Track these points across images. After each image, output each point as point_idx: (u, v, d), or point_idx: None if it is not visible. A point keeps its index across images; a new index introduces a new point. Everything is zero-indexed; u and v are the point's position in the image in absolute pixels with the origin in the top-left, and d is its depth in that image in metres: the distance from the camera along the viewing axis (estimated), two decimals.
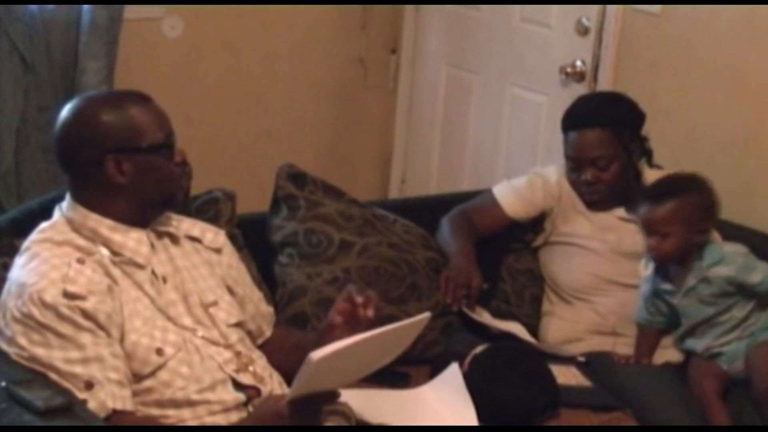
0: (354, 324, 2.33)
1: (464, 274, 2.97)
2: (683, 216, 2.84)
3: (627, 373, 2.88)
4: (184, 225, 2.45)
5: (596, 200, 3.11)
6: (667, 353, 2.98)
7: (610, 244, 3.10)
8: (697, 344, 2.89)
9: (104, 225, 2.27)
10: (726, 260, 2.85)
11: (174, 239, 2.38)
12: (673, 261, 2.89)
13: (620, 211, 3.13)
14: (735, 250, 2.88)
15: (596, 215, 3.14)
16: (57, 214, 2.31)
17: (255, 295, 2.54)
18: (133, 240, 2.28)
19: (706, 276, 2.84)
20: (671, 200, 2.85)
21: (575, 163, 3.09)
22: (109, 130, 2.26)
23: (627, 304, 3.03)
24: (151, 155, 2.28)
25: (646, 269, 2.96)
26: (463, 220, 3.17)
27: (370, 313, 2.33)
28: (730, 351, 2.85)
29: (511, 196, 3.18)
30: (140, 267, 2.27)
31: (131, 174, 2.26)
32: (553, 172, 3.21)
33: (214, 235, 2.48)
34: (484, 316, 3.01)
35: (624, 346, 3.01)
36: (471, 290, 2.96)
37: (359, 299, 2.34)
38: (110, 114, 2.27)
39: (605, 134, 3.05)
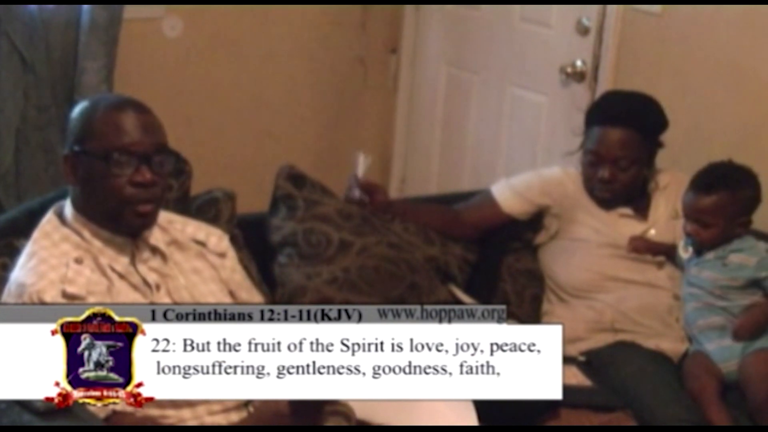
0: None
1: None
2: (729, 209, 2.84)
3: (627, 372, 2.87)
4: (189, 228, 2.44)
5: (607, 198, 3.11)
6: (664, 343, 2.98)
7: (612, 241, 3.09)
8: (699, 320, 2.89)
9: (87, 229, 2.25)
10: (752, 251, 2.85)
11: (177, 244, 2.37)
12: (711, 248, 2.89)
13: (624, 210, 3.13)
14: (766, 247, 2.88)
15: (600, 212, 3.13)
16: (52, 212, 2.30)
17: (256, 299, 2.54)
18: (115, 247, 2.26)
19: (725, 258, 2.85)
20: (720, 192, 2.84)
21: (596, 158, 3.07)
22: (76, 127, 2.23)
23: (625, 300, 3.03)
24: (95, 160, 2.18)
25: (686, 252, 2.97)
26: (445, 207, 3.21)
27: None
28: (724, 347, 2.84)
29: (507, 191, 3.18)
30: (121, 276, 2.25)
31: (81, 178, 2.22)
32: (557, 172, 3.21)
33: (218, 240, 2.47)
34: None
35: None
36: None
37: None
38: (89, 112, 2.23)
39: (634, 137, 3.04)
